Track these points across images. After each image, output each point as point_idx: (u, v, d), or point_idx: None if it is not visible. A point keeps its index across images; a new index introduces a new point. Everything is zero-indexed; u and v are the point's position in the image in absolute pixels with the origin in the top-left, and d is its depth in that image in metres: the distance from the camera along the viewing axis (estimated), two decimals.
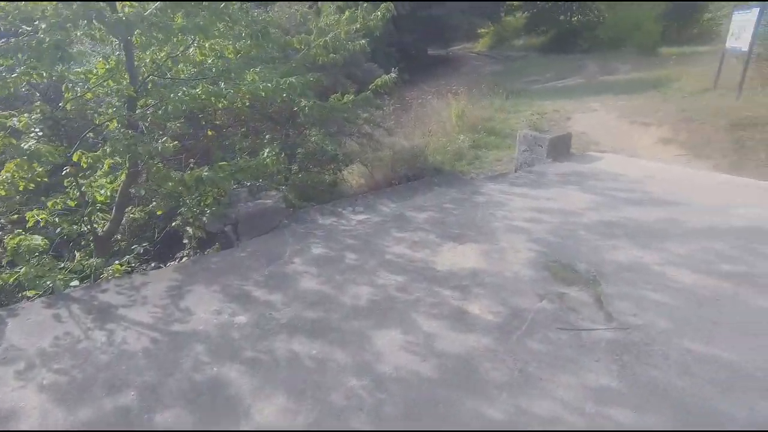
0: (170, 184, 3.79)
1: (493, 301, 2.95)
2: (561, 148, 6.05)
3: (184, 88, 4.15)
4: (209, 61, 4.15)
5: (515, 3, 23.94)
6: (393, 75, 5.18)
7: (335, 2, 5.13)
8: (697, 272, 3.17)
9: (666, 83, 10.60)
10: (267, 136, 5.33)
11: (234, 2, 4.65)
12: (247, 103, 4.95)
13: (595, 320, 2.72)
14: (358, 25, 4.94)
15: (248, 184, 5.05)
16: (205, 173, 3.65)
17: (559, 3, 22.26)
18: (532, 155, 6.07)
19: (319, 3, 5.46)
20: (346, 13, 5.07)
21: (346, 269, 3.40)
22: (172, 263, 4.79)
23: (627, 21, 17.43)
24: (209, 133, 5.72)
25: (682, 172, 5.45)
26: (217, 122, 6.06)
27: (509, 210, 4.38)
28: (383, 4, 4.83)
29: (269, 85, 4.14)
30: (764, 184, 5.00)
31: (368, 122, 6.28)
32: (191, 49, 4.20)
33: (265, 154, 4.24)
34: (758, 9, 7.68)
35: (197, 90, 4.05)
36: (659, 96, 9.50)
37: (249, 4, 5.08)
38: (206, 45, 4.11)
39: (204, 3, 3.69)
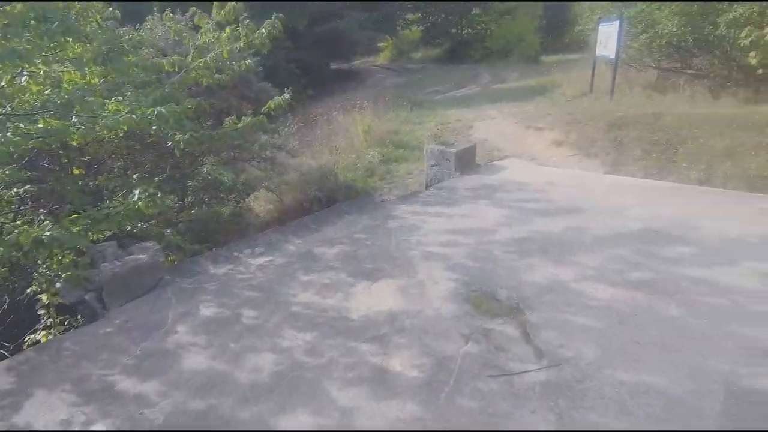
0: (1, 249, 2.89)
1: (415, 350, 2.57)
2: (468, 160, 5.97)
3: (23, 125, 3.26)
4: (47, 92, 3.29)
5: (411, 17, 24.62)
6: (286, 96, 4.66)
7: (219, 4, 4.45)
8: (611, 285, 3.09)
9: (550, 89, 11.34)
10: (135, 176, 4.49)
11: (90, 17, 3.86)
12: (121, 134, 4.13)
13: (525, 359, 2.46)
14: (242, 44, 4.35)
15: (129, 228, 4.21)
16: (48, 232, 2.82)
17: (451, 17, 23.32)
18: (441, 169, 5.91)
19: (196, 19, 4.74)
20: (227, 30, 4.45)
21: (244, 333, 2.81)
22: (30, 336, 3.81)
23: (511, 33, 18.75)
24: (75, 171, 4.72)
25: (578, 175, 5.63)
26: (86, 158, 5.05)
27: (424, 234, 4.08)
28: (267, 21, 4.30)
29: (134, 117, 3.39)
30: (646, 183, 5.31)
31: (264, 147, 5.67)
32: (23, 78, 3.31)
33: (136, 196, 3.48)
34: (619, 21, 8.41)
35: (38, 126, 3.20)
36: (546, 101, 10.07)
37: (110, 20, 4.26)
38: (41, 72, 3.25)
39: (30, 22, 2.87)
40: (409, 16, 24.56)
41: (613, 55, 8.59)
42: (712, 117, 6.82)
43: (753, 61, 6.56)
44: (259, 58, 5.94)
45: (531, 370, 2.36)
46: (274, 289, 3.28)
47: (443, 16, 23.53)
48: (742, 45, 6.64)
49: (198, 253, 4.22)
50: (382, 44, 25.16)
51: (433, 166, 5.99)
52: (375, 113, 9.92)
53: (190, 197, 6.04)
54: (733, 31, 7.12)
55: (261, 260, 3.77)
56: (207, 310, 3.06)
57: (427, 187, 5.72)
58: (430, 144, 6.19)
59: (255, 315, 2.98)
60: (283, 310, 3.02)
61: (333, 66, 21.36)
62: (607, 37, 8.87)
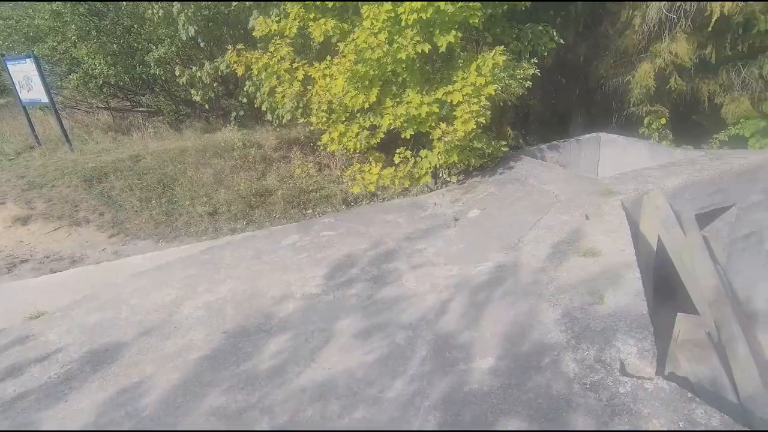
0: None
1: None
2: None
3: None
4: None
5: None
6: None
7: None
8: None
9: None
10: None
11: None
12: None
13: None
14: None
15: None
16: None
17: None
18: None
19: None
20: None
21: None
22: None
23: None
24: None
25: (79, 275, 3.66)
26: None
27: None
28: None
29: None
30: (171, 252, 4.19)
31: None
32: None
33: None
34: (32, 59, 6.20)
35: None
36: None
37: None
38: None
39: None
40: None
41: (46, 99, 6.37)
42: (187, 150, 6.39)
43: (197, 97, 6.49)
44: None
45: None
46: None
47: None
48: (181, 83, 6.39)
49: None
50: None
51: None
52: None
53: None
54: (163, 68, 6.78)
55: None
56: None
57: None
58: None
59: None
60: None
61: None
62: (27, 79, 6.45)
